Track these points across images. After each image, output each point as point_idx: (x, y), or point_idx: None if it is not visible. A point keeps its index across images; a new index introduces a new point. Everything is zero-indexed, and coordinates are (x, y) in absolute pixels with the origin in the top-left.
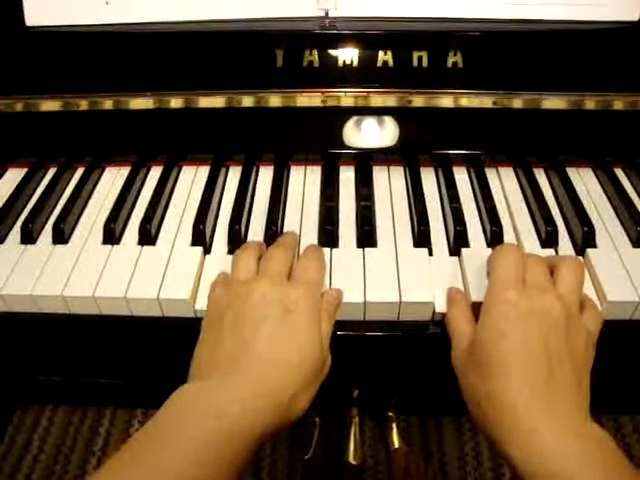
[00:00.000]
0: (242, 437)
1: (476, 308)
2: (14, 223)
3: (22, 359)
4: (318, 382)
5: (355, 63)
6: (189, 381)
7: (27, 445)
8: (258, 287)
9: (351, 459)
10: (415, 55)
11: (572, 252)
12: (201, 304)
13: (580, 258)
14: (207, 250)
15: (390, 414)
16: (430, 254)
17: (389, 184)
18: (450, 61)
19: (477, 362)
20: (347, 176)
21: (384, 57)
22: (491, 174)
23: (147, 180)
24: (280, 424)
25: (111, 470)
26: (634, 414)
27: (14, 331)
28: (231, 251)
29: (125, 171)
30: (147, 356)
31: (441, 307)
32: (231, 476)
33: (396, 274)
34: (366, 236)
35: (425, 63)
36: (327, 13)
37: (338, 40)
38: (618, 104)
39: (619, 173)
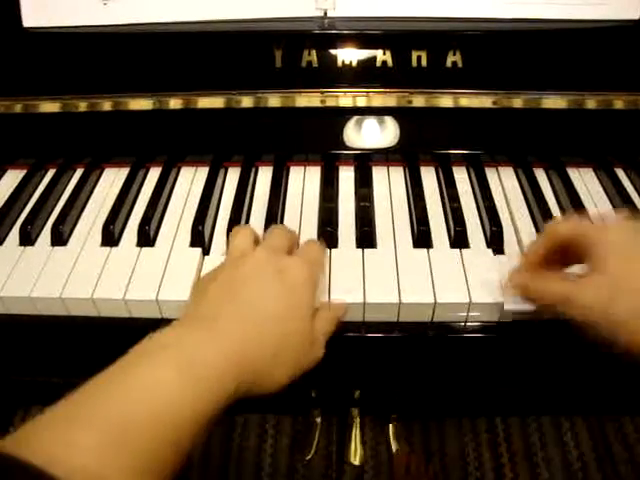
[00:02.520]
0: (212, 390)
1: None
2: (13, 224)
3: (22, 361)
4: (300, 364)
5: (354, 63)
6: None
7: None
8: (255, 255)
9: (352, 460)
10: (414, 55)
11: None
12: None
13: None
14: (206, 251)
15: (391, 415)
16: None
17: (389, 184)
18: (450, 61)
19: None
20: (347, 176)
21: (383, 57)
22: (491, 174)
23: (146, 181)
24: (253, 388)
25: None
26: (635, 415)
27: (13, 333)
28: None
29: (124, 172)
30: None
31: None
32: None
33: (396, 275)
34: (366, 237)
35: (424, 63)
36: (326, 13)
37: (337, 40)
38: (618, 103)
39: (620, 173)
